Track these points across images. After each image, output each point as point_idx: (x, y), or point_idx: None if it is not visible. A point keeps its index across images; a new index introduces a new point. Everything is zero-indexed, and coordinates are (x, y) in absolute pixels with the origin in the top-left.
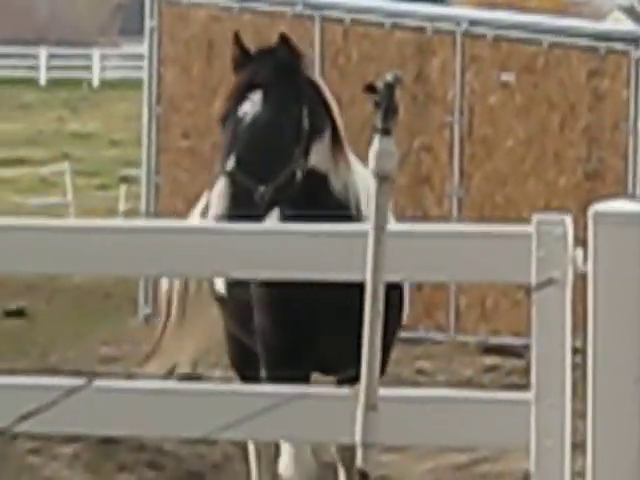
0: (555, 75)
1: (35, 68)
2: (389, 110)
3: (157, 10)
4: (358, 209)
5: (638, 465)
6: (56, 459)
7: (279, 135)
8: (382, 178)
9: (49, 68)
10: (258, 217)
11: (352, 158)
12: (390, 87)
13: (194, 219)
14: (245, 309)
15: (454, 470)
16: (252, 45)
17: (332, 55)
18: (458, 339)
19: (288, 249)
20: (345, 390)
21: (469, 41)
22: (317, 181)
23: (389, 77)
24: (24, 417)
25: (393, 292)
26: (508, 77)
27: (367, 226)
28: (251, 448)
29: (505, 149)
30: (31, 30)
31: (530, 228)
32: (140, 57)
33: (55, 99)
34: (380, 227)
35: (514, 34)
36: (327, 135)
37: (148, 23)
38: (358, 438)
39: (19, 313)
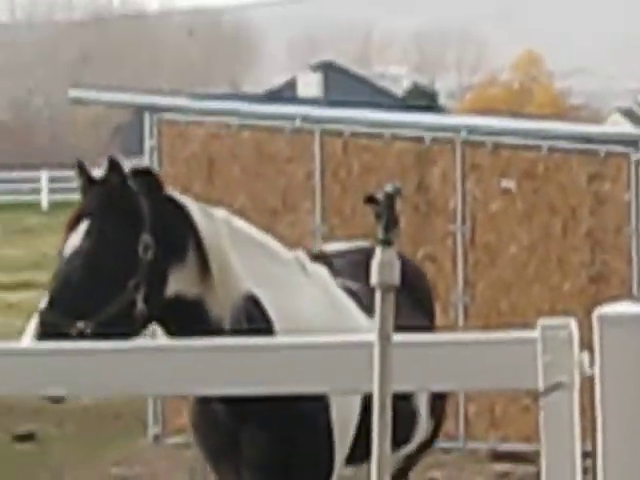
0: (555, 180)
1: (37, 191)
2: (390, 221)
3: (156, 129)
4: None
5: None
6: None
7: (100, 268)
8: (385, 289)
9: (51, 191)
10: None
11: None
12: (390, 198)
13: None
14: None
15: None
16: (258, 163)
17: (333, 168)
18: (468, 447)
19: (289, 363)
20: None
21: (469, 149)
22: (187, 308)
23: (389, 188)
24: None
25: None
26: (508, 184)
27: (372, 336)
28: None
29: (508, 256)
30: (32, 153)
31: (535, 333)
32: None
33: (57, 222)
34: (385, 337)
35: (513, 140)
36: (190, 257)
37: (148, 143)
38: None
39: (29, 437)
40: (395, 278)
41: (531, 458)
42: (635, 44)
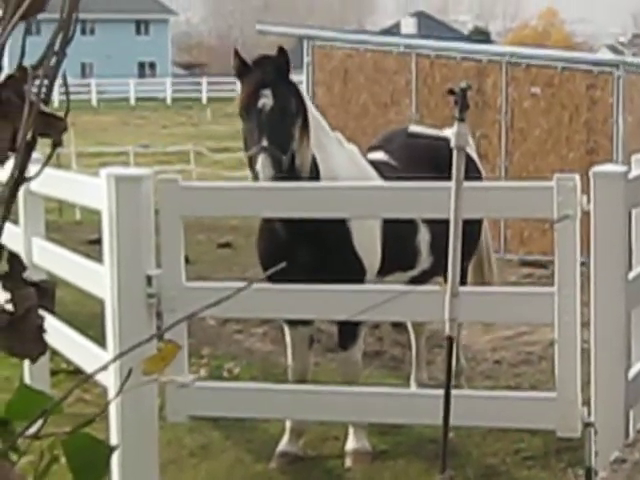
0: (565, 88)
1: (234, 91)
2: (463, 105)
3: (311, 51)
4: (317, 177)
5: (624, 335)
6: (253, 336)
7: (286, 119)
8: (459, 149)
9: None
10: (293, 179)
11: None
12: (464, 91)
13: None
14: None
15: (504, 339)
16: (375, 73)
17: (423, 78)
18: (506, 257)
19: (391, 197)
20: (436, 287)
21: (510, 67)
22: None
23: (463, 84)
24: (210, 305)
25: (472, 226)
26: (536, 90)
27: (450, 183)
28: (288, 340)
29: (534, 136)
30: (231, 67)
31: (553, 183)
32: (300, 82)
33: None
34: (459, 181)
35: (539, 62)
36: (299, 121)
37: (305, 59)
38: (446, 315)
39: (227, 245)
40: (465, 142)
41: (546, 265)
42: (620, 3)
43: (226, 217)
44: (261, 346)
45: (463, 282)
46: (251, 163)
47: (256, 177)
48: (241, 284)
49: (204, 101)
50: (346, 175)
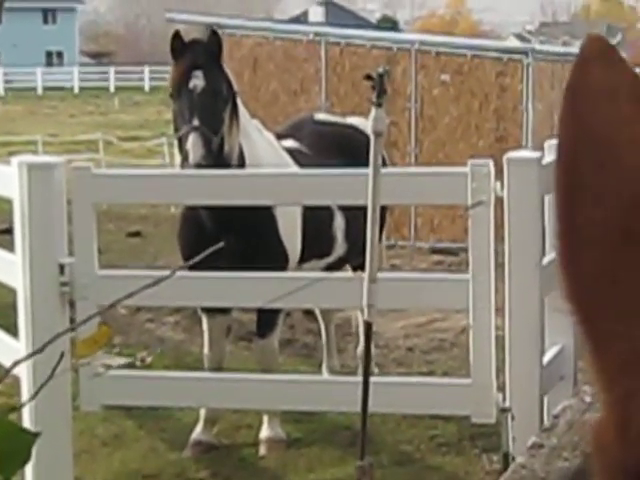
0: (475, 76)
1: (141, 79)
2: (380, 90)
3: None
4: (243, 164)
5: (538, 320)
6: (164, 325)
7: (217, 102)
8: (377, 135)
9: (150, 79)
10: (222, 165)
11: (254, 127)
12: (381, 76)
13: None
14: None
15: (417, 327)
16: (285, 61)
17: (332, 66)
18: (416, 245)
19: (317, 184)
20: (351, 274)
21: (420, 55)
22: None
23: (380, 70)
24: (128, 295)
25: (382, 211)
26: (445, 78)
27: (369, 169)
28: (205, 328)
29: (444, 124)
30: (138, 55)
31: (467, 169)
32: None
33: (155, 99)
34: (377, 167)
35: (448, 50)
36: (230, 106)
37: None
38: (364, 301)
39: (137, 234)
40: (383, 128)
41: (456, 252)
42: None
43: (135, 206)
44: (173, 335)
45: None
46: (181, 144)
47: (185, 157)
48: (155, 272)
49: (112, 90)
50: (268, 162)
